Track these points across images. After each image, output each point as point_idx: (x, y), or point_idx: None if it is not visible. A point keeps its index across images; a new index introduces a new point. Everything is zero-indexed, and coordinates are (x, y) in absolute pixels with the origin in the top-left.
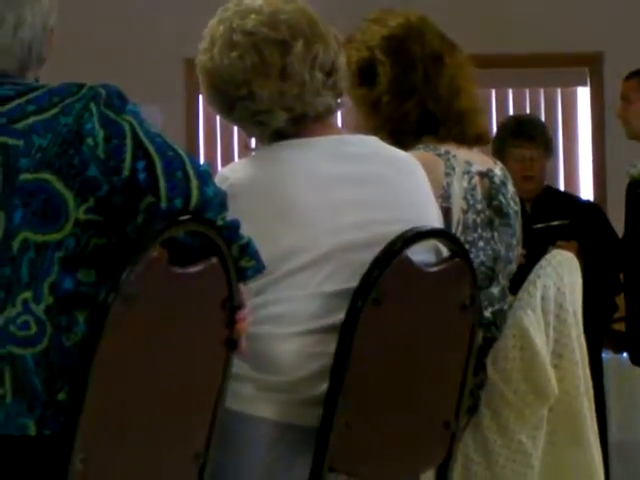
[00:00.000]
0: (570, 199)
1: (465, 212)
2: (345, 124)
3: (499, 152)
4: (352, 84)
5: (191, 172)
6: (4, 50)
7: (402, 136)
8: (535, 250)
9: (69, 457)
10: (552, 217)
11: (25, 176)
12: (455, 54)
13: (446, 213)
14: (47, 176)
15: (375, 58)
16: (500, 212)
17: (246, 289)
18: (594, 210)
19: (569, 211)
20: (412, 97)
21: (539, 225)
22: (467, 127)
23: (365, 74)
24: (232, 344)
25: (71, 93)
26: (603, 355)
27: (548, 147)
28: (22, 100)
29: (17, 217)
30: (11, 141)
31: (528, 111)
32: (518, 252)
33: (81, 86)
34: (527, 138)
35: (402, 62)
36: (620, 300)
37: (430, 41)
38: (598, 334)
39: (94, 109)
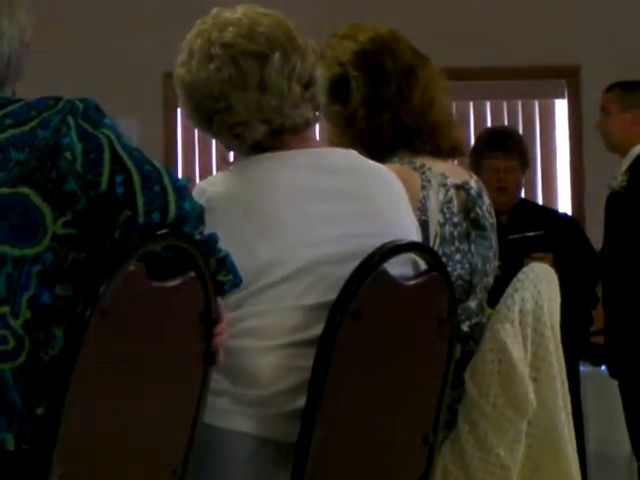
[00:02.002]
0: (547, 212)
1: (442, 225)
2: (322, 138)
3: (475, 164)
4: (326, 101)
5: (169, 186)
6: None
7: (377, 150)
8: (510, 261)
9: (47, 473)
10: (528, 229)
11: (2, 190)
12: (427, 66)
13: (424, 226)
14: (25, 190)
15: (347, 74)
16: (477, 224)
17: (223, 303)
18: (571, 223)
19: (545, 224)
20: (386, 111)
21: (514, 236)
22: (441, 139)
23: (338, 90)
24: (210, 358)
25: (48, 106)
26: (582, 368)
27: (524, 159)
28: None
29: None
30: None
31: (506, 123)
32: (495, 265)
33: (58, 99)
34: (502, 150)
35: (375, 76)
36: (597, 313)
37: (401, 54)
38: (575, 347)
39: (72, 122)
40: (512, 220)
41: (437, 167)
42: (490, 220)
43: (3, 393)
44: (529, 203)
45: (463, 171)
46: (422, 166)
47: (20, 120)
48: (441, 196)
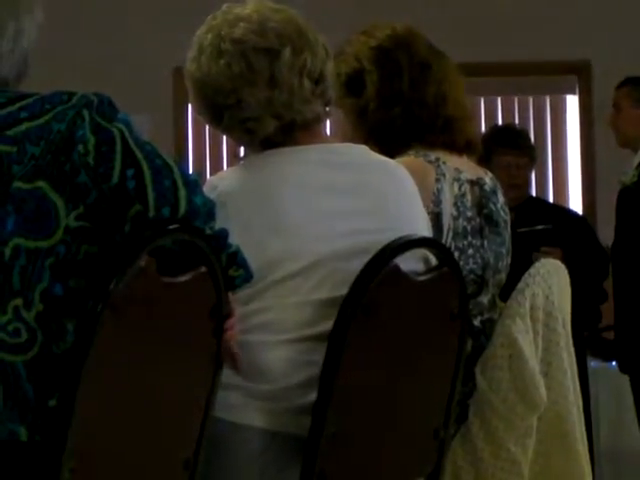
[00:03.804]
0: (554, 208)
1: (455, 219)
2: (333, 133)
3: (484, 160)
4: (341, 94)
5: (179, 181)
6: (6, 58)
7: (390, 144)
8: (519, 255)
9: (59, 464)
10: (535, 224)
11: (19, 184)
12: (442, 62)
13: (436, 218)
14: (41, 184)
15: (363, 68)
16: (490, 220)
17: (234, 298)
18: (579, 220)
19: (553, 220)
20: (399, 104)
21: (522, 229)
22: (456, 134)
23: (353, 84)
24: (220, 353)
25: (62, 101)
26: (592, 364)
27: (532, 156)
28: (14, 107)
29: (10, 223)
30: (3, 148)
31: (517, 119)
32: (507, 262)
33: (72, 94)
34: (513, 146)
35: (389, 71)
36: (607, 309)
37: (417, 50)
38: (582, 342)
39: (86, 116)
40: (519, 216)
41: (452, 162)
42: (504, 217)
43: (16, 385)
44: (537, 200)
45: (478, 168)
46: (437, 160)
47: (35, 113)
48: (455, 190)
